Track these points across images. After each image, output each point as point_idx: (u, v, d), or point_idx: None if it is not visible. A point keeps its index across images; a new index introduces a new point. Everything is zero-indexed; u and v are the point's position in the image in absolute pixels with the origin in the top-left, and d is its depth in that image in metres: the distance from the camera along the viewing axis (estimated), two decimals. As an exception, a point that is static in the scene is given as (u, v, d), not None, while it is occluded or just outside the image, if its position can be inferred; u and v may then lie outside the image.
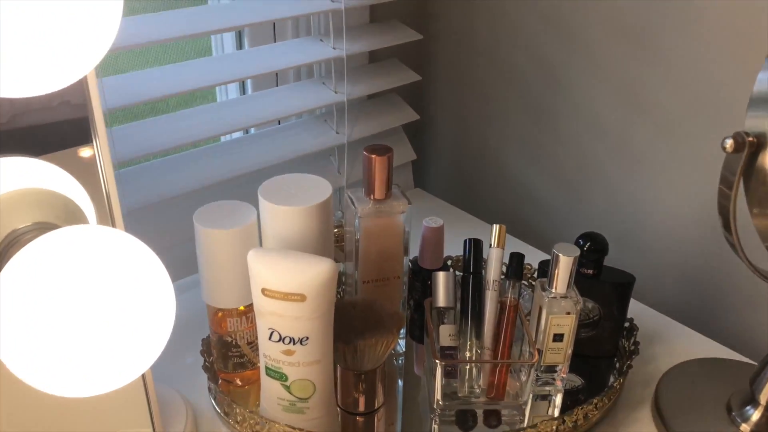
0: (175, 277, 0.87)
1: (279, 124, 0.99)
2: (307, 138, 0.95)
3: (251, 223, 0.62)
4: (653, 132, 0.88)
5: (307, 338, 0.57)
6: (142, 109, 0.93)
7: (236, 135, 0.96)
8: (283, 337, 0.57)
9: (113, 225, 0.51)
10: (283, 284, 0.55)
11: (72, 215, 0.50)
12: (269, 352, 0.59)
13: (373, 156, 0.64)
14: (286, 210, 0.59)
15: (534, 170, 1.05)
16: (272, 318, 0.57)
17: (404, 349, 0.76)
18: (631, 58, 0.87)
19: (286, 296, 0.55)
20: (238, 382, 0.70)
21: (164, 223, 0.82)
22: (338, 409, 0.66)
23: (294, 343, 0.58)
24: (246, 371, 0.70)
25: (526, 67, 1.00)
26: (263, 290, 0.56)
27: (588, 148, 0.96)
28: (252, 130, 0.97)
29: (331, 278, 0.56)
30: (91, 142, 0.48)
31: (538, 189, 1.05)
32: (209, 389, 0.68)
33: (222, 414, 0.67)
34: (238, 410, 0.64)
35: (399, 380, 0.76)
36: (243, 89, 0.96)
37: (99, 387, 0.45)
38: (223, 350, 0.67)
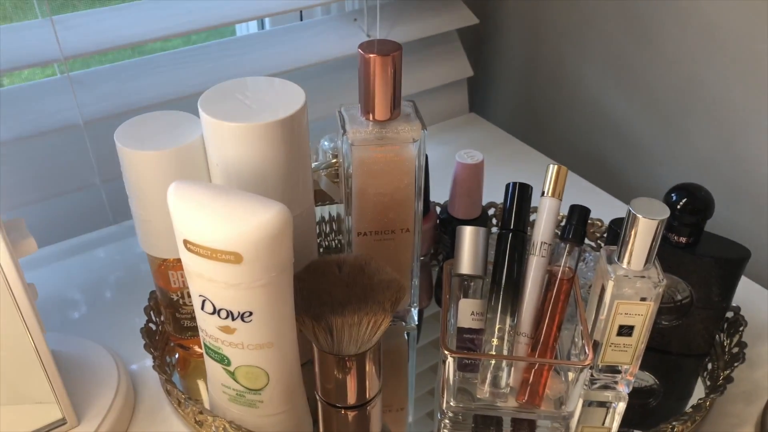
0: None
1: (301, 20, 0.80)
2: (331, 39, 0.75)
3: (191, 143, 0.44)
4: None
5: (251, 314, 0.40)
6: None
7: (245, 32, 0.78)
8: (217, 308, 0.41)
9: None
10: (209, 237, 0.38)
11: None
12: (204, 325, 0.43)
13: (371, 56, 0.45)
14: (231, 127, 0.41)
15: (623, 98, 0.81)
16: (201, 282, 0.40)
17: (417, 322, 0.58)
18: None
19: (215, 254, 0.38)
20: (197, 349, 0.55)
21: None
22: (318, 398, 0.50)
23: (233, 319, 0.41)
24: (208, 335, 0.54)
25: (623, -45, 0.75)
26: (185, 242, 0.39)
27: (699, 72, 0.71)
28: (267, 26, 0.79)
29: (278, 233, 0.38)
30: None
31: (626, 122, 0.81)
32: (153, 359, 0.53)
33: (165, 391, 0.52)
34: (177, 392, 0.48)
35: (411, 354, 0.59)
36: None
37: None
38: (170, 310, 0.52)
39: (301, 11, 0.80)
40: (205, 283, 0.40)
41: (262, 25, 0.80)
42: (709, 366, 0.55)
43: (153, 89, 0.66)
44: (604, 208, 0.62)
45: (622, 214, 0.56)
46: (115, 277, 0.65)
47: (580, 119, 0.88)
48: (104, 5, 0.63)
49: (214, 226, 0.38)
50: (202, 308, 0.41)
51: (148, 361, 0.53)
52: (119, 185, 0.68)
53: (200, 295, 0.41)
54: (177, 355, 0.55)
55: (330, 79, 0.77)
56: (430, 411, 0.54)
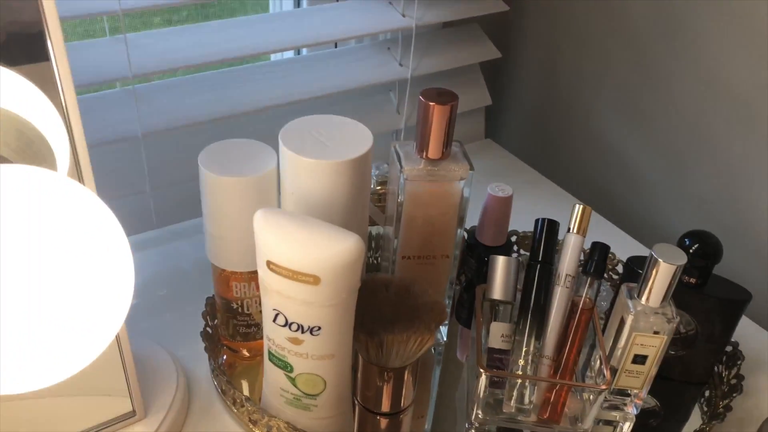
0: (190, 215, 0.77)
1: (336, 47, 0.85)
2: (364, 67, 0.80)
3: (268, 172, 0.49)
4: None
5: (319, 328, 0.45)
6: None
7: (279, 56, 0.83)
8: (289, 322, 0.46)
9: (77, 163, 0.39)
10: (293, 260, 0.43)
11: (28, 146, 0.39)
12: (273, 335, 0.48)
13: (432, 104, 0.50)
14: (309, 163, 0.46)
15: (633, 134, 0.87)
16: (278, 298, 0.45)
17: (446, 339, 0.64)
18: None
19: (295, 275, 0.43)
20: (245, 353, 0.59)
21: (185, 151, 0.71)
22: (356, 403, 0.55)
23: (303, 332, 0.46)
24: (256, 341, 0.59)
25: (638, 5, 0.81)
26: (268, 263, 0.44)
27: (707, 114, 0.78)
28: (304, 52, 0.84)
29: (354, 260, 0.43)
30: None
31: (634, 158, 0.88)
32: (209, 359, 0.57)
33: (219, 391, 0.56)
34: (234, 392, 0.53)
35: (436, 367, 0.64)
36: (298, 1, 0.82)
37: (34, 381, 0.35)
38: (227, 315, 0.57)
39: (336, 44, 0.85)
40: (282, 300, 0.45)
41: (298, 51, 0.84)
42: (707, 393, 0.61)
43: (201, 107, 0.70)
44: (607, 239, 0.67)
45: (624, 245, 0.62)
46: (163, 279, 0.69)
47: (587, 152, 0.94)
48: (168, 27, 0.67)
49: (297, 251, 0.43)
50: (274, 320, 0.46)
51: (200, 361, 0.58)
52: (165, 193, 0.73)
53: (274, 309, 0.46)
54: (224, 357, 0.60)
55: (363, 104, 0.82)
56: (450, 419, 0.59)
